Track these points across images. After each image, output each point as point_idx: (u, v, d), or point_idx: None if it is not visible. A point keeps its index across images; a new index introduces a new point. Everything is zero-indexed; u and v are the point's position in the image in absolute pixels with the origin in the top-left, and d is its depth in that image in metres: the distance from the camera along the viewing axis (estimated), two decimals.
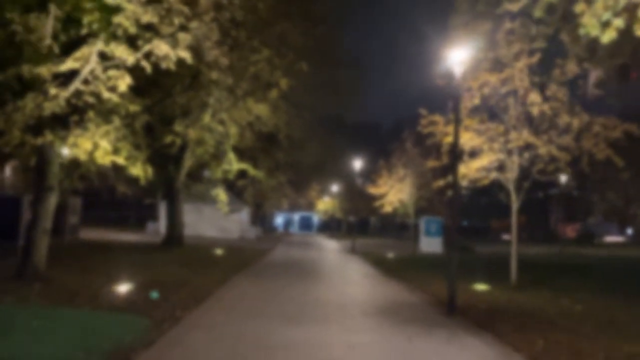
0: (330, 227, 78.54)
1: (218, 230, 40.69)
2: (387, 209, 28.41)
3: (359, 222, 64.16)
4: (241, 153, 24.65)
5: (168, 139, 15.82)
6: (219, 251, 22.74)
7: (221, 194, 23.24)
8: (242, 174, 24.68)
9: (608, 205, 58.89)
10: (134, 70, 12.63)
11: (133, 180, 38.18)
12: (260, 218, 55.17)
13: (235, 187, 36.75)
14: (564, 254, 33.64)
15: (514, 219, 14.57)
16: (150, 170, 12.97)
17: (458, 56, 10.57)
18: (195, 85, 14.92)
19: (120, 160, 12.18)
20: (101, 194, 49.57)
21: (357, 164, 30.16)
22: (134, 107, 12.72)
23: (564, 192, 39.12)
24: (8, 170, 37.55)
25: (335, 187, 55.88)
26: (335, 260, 24.21)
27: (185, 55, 12.03)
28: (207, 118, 20.75)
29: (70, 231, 20.95)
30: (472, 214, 73.29)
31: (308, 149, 30.91)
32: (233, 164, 23.15)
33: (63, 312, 8.66)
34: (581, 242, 54.78)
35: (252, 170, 23.43)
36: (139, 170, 12.80)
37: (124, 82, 11.55)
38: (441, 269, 19.35)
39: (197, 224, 40.32)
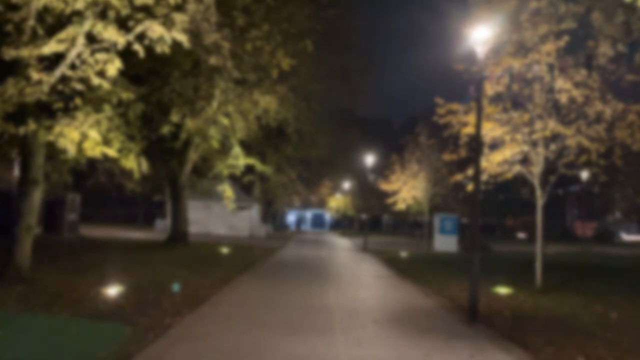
0: (342, 225, 77.50)
1: (227, 227, 39.88)
2: (400, 206, 27.29)
3: (372, 220, 63.06)
4: (248, 148, 23.72)
5: (165, 129, 14.88)
6: (224, 249, 21.83)
7: (227, 190, 22.37)
8: (249, 169, 23.73)
9: (628, 203, 57.03)
10: (127, 55, 11.72)
11: (143, 177, 37.61)
12: (272, 215, 54.30)
13: (244, 183, 35.88)
14: (586, 253, 32.23)
15: (539, 216, 13.41)
16: (145, 164, 12.07)
17: (481, 35, 9.46)
18: (196, 72, 13.92)
19: (111, 152, 11.26)
20: (110, 191, 49.23)
21: (369, 159, 29.06)
22: (127, 95, 11.79)
23: (584, 189, 37.60)
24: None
25: (347, 184, 54.81)
26: (346, 260, 23.17)
27: (182, 37, 11.08)
28: (211, 110, 19.85)
29: (69, 228, 20.21)
30: (487, 211, 71.71)
31: (318, 143, 29.81)
32: (240, 159, 22.26)
33: (36, 320, 7.74)
34: (600, 241, 53.09)
35: (259, 166, 22.49)
36: (132, 163, 11.90)
37: (114, 66, 10.62)
38: (458, 270, 18.26)
39: (206, 221, 39.56)
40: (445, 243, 31.33)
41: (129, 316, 8.43)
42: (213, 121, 20.28)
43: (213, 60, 10.91)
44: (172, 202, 22.63)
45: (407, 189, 26.27)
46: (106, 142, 11.43)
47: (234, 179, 35.05)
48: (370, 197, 40.80)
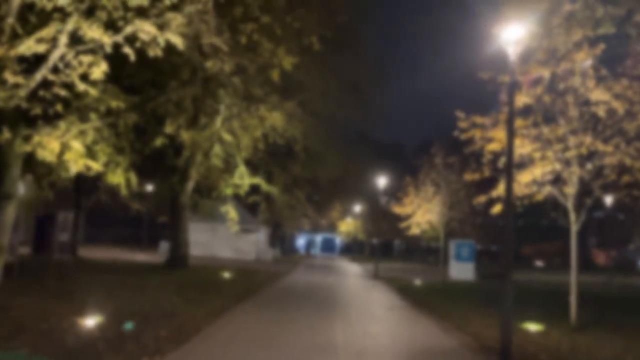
0: (352, 249, 75.79)
1: (233, 251, 38.57)
2: (415, 230, 25.82)
3: (383, 245, 61.36)
4: (254, 167, 22.58)
5: (158, 141, 13.75)
6: (226, 274, 20.50)
7: (231, 211, 21.19)
8: (254, 189, 22.54)
9: None
10: (119, 61, 10.69)
11: (147, 197, 36.44)
12: (280, 239, 52.90)
13: (251, 205, 34.71)
14: (612, 284, 30.38)
15: (573, 244, 11.96)
16: (134, 179, 10.96)
17: (513, 34, 8.27)
18: (194, 82, 12.87)
19: (96, 166, 10.14)
20: (115, 211, 48.26)
21: (381, 181, 27.75)
22: (117, 103, 10.71)
23: (609, 215, 35.82)
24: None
25: (357, 208, 53.40)
26: (356, 288, 21.71)
27: (176, 40, 10.03)
28: (215, 126, 18.82)
29: (59, 249, 19.09)
30: (500, 238, 69.63)
31: (327, 162, 28.55)
32: (244, 179, 21.12)
33: None
34: (621, 270, 50.80)
35: (265, 186, 21.31)
36: (119, 177, 10.78)
37: (99, 69, 9.55)
38: (478, 301, 16.74)
39: (210, 244, 38.32)
40: (461, 271, 29.71)
41: (99, 355, 7.15)
42: (217, 138, 19.25)
43: (210, 64, 9.79)
44: (172, 223, 21.46)
45: (422, 213, 24.86)
46: (91, 154, 10.33)
47: (240, 201, 33.93)
48: (382, 221, 39.34)
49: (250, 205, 31.72)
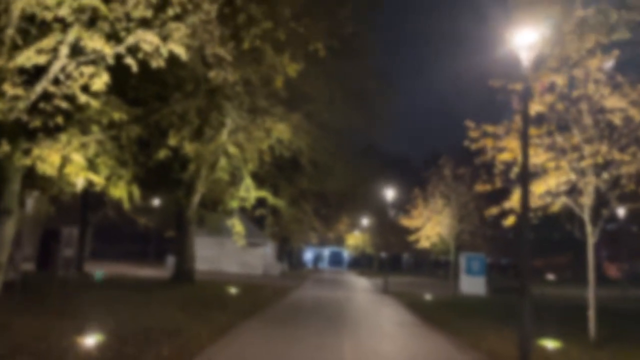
0: (360, 263, 75.08)
1: (240, 265, 38.19)
2: (424, 244, 25.38)
3: (391, 259, 60.67)
4: (260, 180, 22.32)
5: (161, 154, 13.51)
6: (233, 289, 20.14)
7: (237, 225, 20.90)
8: (260, 202, 22.26)
9: None
10: (122, 73, 10.50)
11: (154, 212, 36.23)
12: (287, 253, 52.47)
13: (257, 218, 34.40)
14: (628, 298, 29.66)
15: (590, 256, 11.52)
16: (137, 193, 10.72)
17: (525, 38, 7.99)
18: (198, 93, 12.66)
19: (97, 179, 9.91)
20: (122, 226, 48.12)
21: (389, 193, 27.39)
22: (120, 116, 10.50)
23: (622, 227, 35.13)
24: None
25: (365, 221, 52.93)
26: (365, 303, 21.26)
27: (179, 50, 9.82)
28: (221, 139, 18.63)
29: (64, 265, 18.85)
30: (514, 250, 68.68)
31: (335, 175, 28.19)
32: (251, 192, 20.86)
33: None
34: (633, 283, 49.74)
35: (271, 199, 21.02)
36: (121, 191, 10.54)
37: (101, 80, 9.35)
38: (492, 316, 16.27)
39: (217, 259, 37.98)
40: (472, 285, 29.09)
41: None
42: (223, 151, 19.04)
43: (213, 74, 9.57)
44: (178, 237, 21.18)
45: (431, 226, 24.44)
46: (92, 167, 10.11)
47: (246, 214, 33.61)
48: (390, 234, 38.86)
49: (257, 218, 31.42)
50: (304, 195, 29.56)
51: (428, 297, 23.16)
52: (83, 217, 27.81)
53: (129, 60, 9.72)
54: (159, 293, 16.96)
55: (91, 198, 27.74)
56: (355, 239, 61.97)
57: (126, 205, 11.14)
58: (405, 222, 26.65)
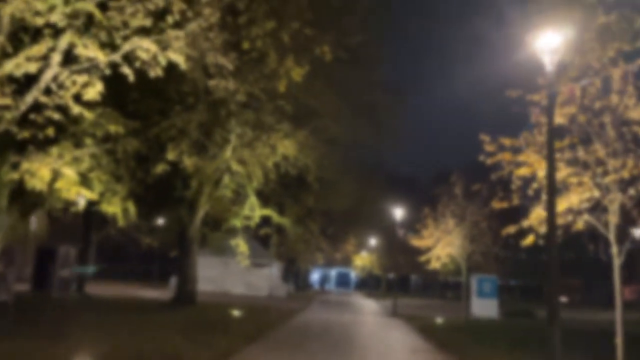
0: (368, 284, 73.82)
1: (245, 286, 37.34)
2: (434, 265, 24.52)
3: (399, 280, 59.48)
4: (265, 198, 21.71)
5: (159, 168, 12.93)
6: (236, 312, 19.36)
7: (241, 245, 20.25)
8: (265, 221, 21.61)
9: None
10: (121, 85, 10.01)
11: (159, 231, 35.62)
12: (294, 274, 51.55)
13: (264, 238, 33.70)
14: None
15: (616, 279, 10.72)
16: (133, 209, 10.15)
17: (549, 41, 7.41)
18: (200, 106, 12.16)
19: (90, 194, 9.35)
20: (126, 246, 47.49)
21: (398, 212, 26.64)
22: (115, 128, 9.98)
23: (638, 247, 34.00)
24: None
25: (373, 241, 52.01)
26: (374, 327, 20.41)
27: (178, 58, 9.32)
28: (227, 154, 18.11)
29: (61, 285, 18.19)
30: (524, 273, 67.27)
31: (342, 193, 27.46)
32: (255, 210, 20.25)
33: None
34: None
35: (276, 217, 20.39)
36: (116, 207, 9.98)
37: (94, 89, 8.85)
38: (508, 342, 15.38)
39: (222, 280, 37.16)
40: (484, 307, 28.11)
41: None
42: (227, 168, 18.52)
43: (214, 83, 9.05)
44: (180, 257, 20.53)
45: (442, 246, 23.61)
46: (86, 182, 9.55)
47: (252, 234, 32.89)
48: (399, 254, 37.98)
49: (263, 238, 30.72)
50: (311, 214, 28.85)
51: (439, 320, 22.25)
52: (85, 236, 27.23)
53: (126, 70, 9.23)
54: (158, 315, 16.24)
55: (94, 216, 27.22)
56: (363, 260, 60.94)
57: (120, 221, 10.56)
58: (416, 242, 25.82)
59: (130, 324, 13.89)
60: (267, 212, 20.45)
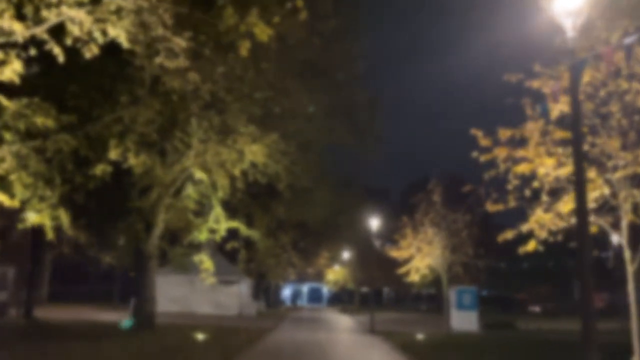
0: (341, 299, 72.17)
1: (213, 306, 35.19)
2: (414, 277, 23.18)
3: (372, 293, 57.94)
4: (232, 209, 20.00)
5: (98, 169, 11.11)
6: (200, 335, 17.48)
7: (206, 261, 18.45)
8: (232, 233, 19.86)
9: None
10: (56, 75, 8.33)
11: (119, 249, 33.23)
12: (264, 290, 49.46)
13: (232, 254, 31.75)
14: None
15: (630, 287, 9.52)
16: (66, 218, 8.41)
17: (568, 4, 6.14)
18: (151, 100, 10.49)
19: (9, 201, 7.58)
20: (84, 266, 44.75)
21: (374, 223, 25.26)
22: (43, 121, 8.24)
23: (618, 254, 33.39)
24: None
25: (346, 254, 50.53)
26: (352, 346, 18.82)
27: (118, 33, 7.70)
28: (189, 160, 16.43)
29: None
30: (494, 282, 66.74)
31: (315, 202, 25.83)
32: (221, 222, 18.52)
33: None
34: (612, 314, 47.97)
35: (244, 229, 18.70)
36: (43, 217, 8.20)
37: (10, 68, 7.14)
38: (497, 358, 14.08)
39: (188, 299, 34.96)
40: (463, 320, 26.82)
41: None
42: (188, 176, 16.80)
43: (159, 60, 7.47)
44: (137, 276, 18.56)
45: (421, 257, 22.31)
46: (4, 185, 7.79)
47: (220, 249, 30.91)
48: (374, 267, 36.58)
49: (230, 253, 28.81)
50: (282, 226, 27.19)
51: (420, 336, 20.81)
52: (34, 256, 24.90)
53: (53, 47, 7.55)
54: (108, 343, 14.27)
55: (43, 235, 24.97)
56: (336, 274, 59.35)
57: (49, 234, 8.81)
58: (394, 253, 24.44)
59: (75, 354, 11.99)
60: (234, 224, 18.72)
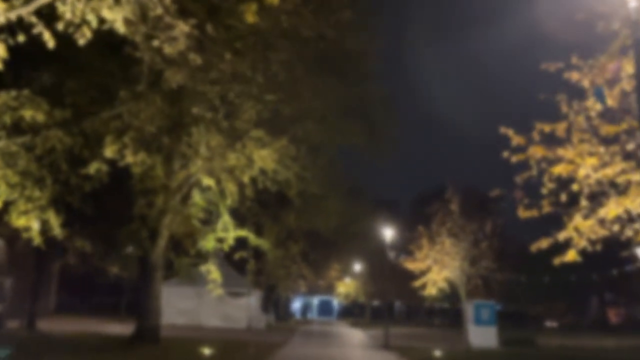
0: (352, 312, 70.86)
1: (221, 318, 34.29)
2: (430, 290, 22.12)
3: (383, 307, 56.75)
4: (241, 218, 19.19)
5: (92, 167, 10.31)
6: (207, 350, 16.58)
7: (213, 271, 17.63)
8: (241, 243, 19.00)
9: None
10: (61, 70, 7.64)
11: (128, 259, 32.41)
12: (274, 303, 48.45)
13: (242, 265, 30.85)
14: None
15: None
16: (55, 222, 7.65)
17: None
18: (151, 96, 9.75)
19: None
20: (92, 277, 44.04)
21: (388, 233, 24.22)
22: (33, 114, 7.51)
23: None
24: None
25: (357, 266, 49.42)
26: None
27: (114, 17, 6.96)
28: (196, 166, 15.70)
29: None
30: (509, 297, 64.99)
31: (326, 210, 24.82)
32: (229, 231, 17.72)
33: None
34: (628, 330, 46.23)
35: (253, 239, 17.87)
36: (29, 219, 7.43)
37: None
38: None
39: (196, 312, 34.10)
40: (482, 336, 25.62)
41: None
42: (195, 182, 16.06)
43: (157, 43, 6.71)
44: (141, 287, 17.75)
45: (438, 269, 21.28)
46: None
47: (229, 260, 30.04)
48: (387, 280, 35.48)
49: (239, 264, 27.94)
50: (292, 236, 26.27)
51: (437, 352, 19.73)
52: (38, 266, 24.23)
53: (44, 33, 6.84)
54: (107, 357, 13.43)
55: (49, 244, 24.35)
56: (347, 287, 58.19)
57: (36, 239, 8.05)
58: (410, 265, 23.39)
59: None
60: (243, 233, 17.90)
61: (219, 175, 16.55)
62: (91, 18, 6.91)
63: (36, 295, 23.79)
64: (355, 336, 33.83)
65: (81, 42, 7.09)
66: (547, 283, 63.99)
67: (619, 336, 36.68)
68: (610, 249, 9.84)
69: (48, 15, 7.05)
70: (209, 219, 17.85)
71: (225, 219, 17.28)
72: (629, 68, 8.35)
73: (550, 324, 66.45)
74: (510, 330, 37.35)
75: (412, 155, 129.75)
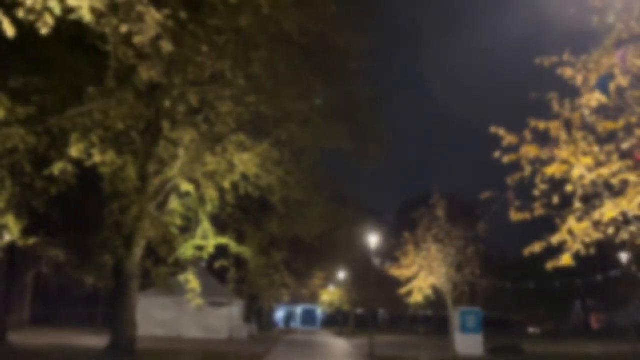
0: (336, 321, 70.25)
1: (202, 329, 33.38)
2: (417, 297, 21.71)
3: (367, 315, 56.25)
4: (222, 225, 18.59)
5: (57, 168, 9.63)
6: None
7: (192, 280, 16.97)
8: (221, 251, 18.38)
9: None
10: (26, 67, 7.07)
11: (103, 270, 31.43)
12: (256, 313, 47.60)
13: (223, 274, 30.11)
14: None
15: None
16: (16, 226, 7.04)
17: None
18: (124, 92, 9.18)
19: None
20: (68, 287, 42.87)
21: (373, 240, 23.78)
22: None
23: (626, 273, 32.10)
24: None
25: (342, 274, 48.86)
26: None
27: (79, 3, 6.43)
28: (173, 171, 15.10)
29: None
30: (491, 304, 64.90)
31: (310, 216, 24.26)
32: (209, 238, 17.11)
33: None
34: (625, 335, 46.54)
35: (234, 246, 17.28)
36: None
37: None
38: None
39: (176, 323, 33.15)
40: (468, 344, 25.27)
41: None
42: (173, 188, 15.45)
43: (125, 28, 6.18)
44: (117, 298, 16.98)
45: (424, 276, 20.89)
46: None
47: (210, 269, 29.27)
48: (372, 287, 35.03)
49: (220, 273, 27.22)
50: (275, 243, 25.68)
51: None
52: (9, 276, 23.25)
53: (3, 20, 6.27)
54: None
55: (20, 254, 23.43)
56: (331, 295, 57.56)
57: None
58: (395, 272, 22.94)
59: None
60: (224, 240, 17.29)
61: (199, 181, 15.98)
62: (54, 5, 6.37)
63: (8, 306, 22.86)
64: (339, 346, 33.24)
65: (44, 31, 6.53)
66: (530, 290, 64.20)
67: (602, 342, 36.72)
68: (594, 256, 9.49)
69: (7, 1, 6.49)
70: (188, 226, 17.22)
71: (205, 226, 16.67)
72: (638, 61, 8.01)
73: (533, 330, 66.70)
74: (494, 337, 37.15)
75: (398, 164, 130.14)
